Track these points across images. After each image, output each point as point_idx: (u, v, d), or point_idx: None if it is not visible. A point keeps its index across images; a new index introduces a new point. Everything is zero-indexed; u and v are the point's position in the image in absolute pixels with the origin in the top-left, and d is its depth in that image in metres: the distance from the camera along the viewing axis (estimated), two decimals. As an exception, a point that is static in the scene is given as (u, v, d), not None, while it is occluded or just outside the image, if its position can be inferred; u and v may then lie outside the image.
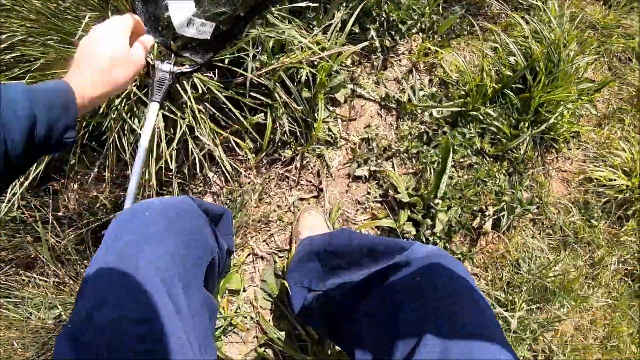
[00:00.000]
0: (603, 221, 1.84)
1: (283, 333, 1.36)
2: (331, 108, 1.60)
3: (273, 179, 1.52)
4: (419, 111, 1.66)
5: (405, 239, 1.54)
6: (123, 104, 1.17)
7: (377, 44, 1.68)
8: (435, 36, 1.80)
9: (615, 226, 1.86)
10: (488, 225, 1.62)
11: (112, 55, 0.67)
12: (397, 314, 0.70)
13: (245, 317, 1.39)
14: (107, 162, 1.19)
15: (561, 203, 1.79)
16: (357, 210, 1.58)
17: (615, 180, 1.84)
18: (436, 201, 1.52)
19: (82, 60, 0.66)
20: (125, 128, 1.17)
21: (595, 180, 1.84)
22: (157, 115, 0.94)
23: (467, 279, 0.71)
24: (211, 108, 1.31)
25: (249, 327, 1.40)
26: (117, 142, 1.17)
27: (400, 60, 1.75)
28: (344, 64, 1.60)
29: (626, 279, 1.86)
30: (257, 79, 1.35)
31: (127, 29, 0.72)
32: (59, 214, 1.16)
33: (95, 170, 1.20)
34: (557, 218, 1.76)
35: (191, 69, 0.95)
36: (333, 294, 0.99)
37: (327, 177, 1.57)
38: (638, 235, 1.92)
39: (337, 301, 0.96)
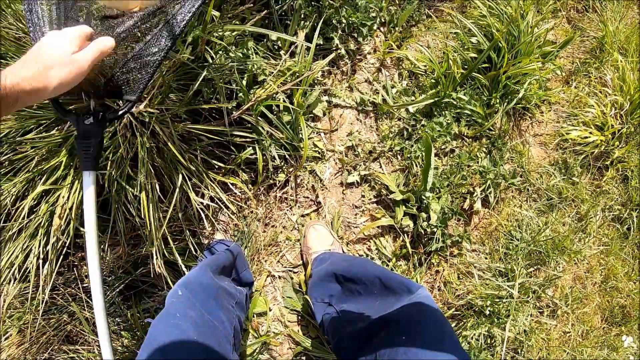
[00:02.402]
0: (584, 176, 1.95)
1: (312, 341, 1.50)
2: (312, 124, 1.67)
3: (273, 203, 1.60)
4: (395, 109, 1.74)
5: (408, 280, 1.65)
6: (118, 172, 1.24)
7: (343, 50, 1.74)
8: (397, 28, 1.85)
9: (596, 178, 1.98)
10: (478, 205, 1.73)
11: (51, 55, 0.71)
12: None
13: (277, 334, 1.52)
14: (117, 227, 1.27)
15: (542, 167, 1.90)
16: (355, 215, 1.67)
17: (589, 137, 1.94)
18: (427, 194, 1.62)
19: (28, 57, 0.71)
20: (126, 194, 1.24)
21: (571, 141, 1.94)
22: (94, 186, 0.84)
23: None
24: (202, 154, 1.37)
25: (281, 341, 1.52)
26: (122, 208, 1.25)
27: (367, 60, 1.81)
28: (315, 80, 1.66)
29: (614, 223, 1.99)
30: (240, 116, 1.42)
31: (76, 37, 0.76)
32: (85, 285, 1.25)
33: (107, 236, 1.28)
34: (540, 183, 1.87)
35: (125, 109, 0.88)
36: (345, 321, 1.13)
37: (322, 189, 1.65)
38: (618, 181, 2.04)
39: (346, 330, 1.10)
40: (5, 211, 1.24)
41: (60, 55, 0.71)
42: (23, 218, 1.22)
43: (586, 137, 1.94)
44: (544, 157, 1.94)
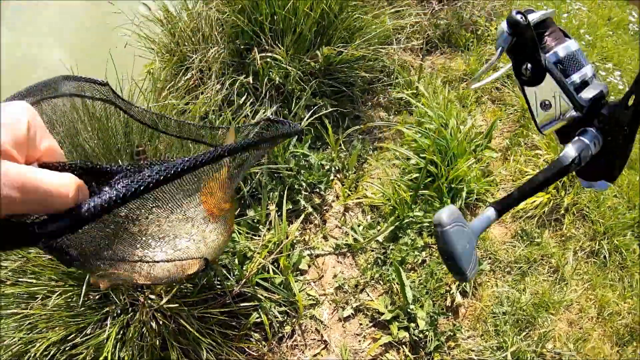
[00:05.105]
0: (545, 234, 2.24)
1: None
2: (301, 277, 2.05)
3: (286, 351, 1.95)
4: (366, 244, 2.09)
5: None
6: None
7: (310, 208, 2.13)
8: (349, 173, 2.24)
9: (558, 229, 2.26)
10: (459, 299, 2.04)
11: None
12: None
13: None
14: None
15: (507, 243, 2.20)
16: (359, 341, 2.00)
17: (535, 200, 2.24)
18: (410, 307, 1.94)
19: None
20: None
21: (521, 210, 2.25)
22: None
23: None
24: (217, 327, 1.76)
25: None
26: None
27: (333, 208, 2.20)
28: (295, 240, 2.05)
29: (589, 259, 2.25)
30: (240, 289, 1.81)
31: None
32: None
33: None
34: (508, 257, 2.17)
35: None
36: None
37: (325, 329, 2.00)
38: (579, 222, 2.32)
39: None
40: None
41: None
42: None
43: (534, 202, 2.24)
44: (505, 233, 2.24)
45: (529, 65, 0.61)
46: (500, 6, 2.98)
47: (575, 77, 0.63)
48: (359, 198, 2.21)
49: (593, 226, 2.32)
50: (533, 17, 0.63)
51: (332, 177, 2.23)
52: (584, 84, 0.64)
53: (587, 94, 0.63)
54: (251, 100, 2.24)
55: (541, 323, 2.10)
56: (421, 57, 2.59)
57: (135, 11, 2.48)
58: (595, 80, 0.65)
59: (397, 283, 2.01)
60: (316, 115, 2.26)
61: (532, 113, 0.67)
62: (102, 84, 0.78)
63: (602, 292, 2.20)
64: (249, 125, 0.85)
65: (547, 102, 0.64)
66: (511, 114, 2.50)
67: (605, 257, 2.28)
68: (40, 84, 0.63)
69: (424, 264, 2.09)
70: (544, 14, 0.65)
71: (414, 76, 2.49)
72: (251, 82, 2.23)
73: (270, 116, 1.28)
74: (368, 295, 2.05)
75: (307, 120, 2.21)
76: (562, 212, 2.28)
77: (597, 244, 2.29)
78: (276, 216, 1.97)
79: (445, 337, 1.99)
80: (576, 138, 0.63)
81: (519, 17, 0.60)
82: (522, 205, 2.24)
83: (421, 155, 2.20)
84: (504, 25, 0.62)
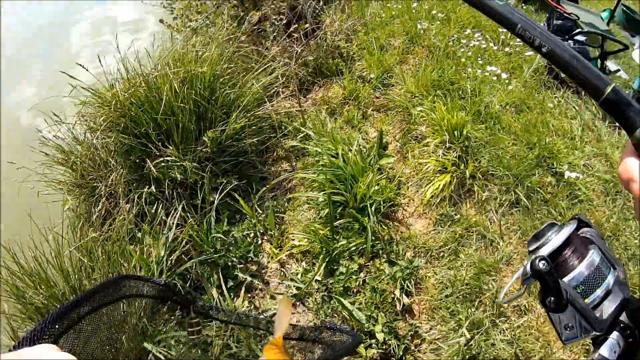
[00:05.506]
0: (464, 207, 2.44)
1: None
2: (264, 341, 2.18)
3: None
4: (308, 288, 2.25)
5: None
6: None
7: (249, 278, 2.28)
8: (272, 232, 2.41)
9: (471, 199, 2.46)
10: (406, 300, 2.20)
11: None
12: None
13: None
14: None
15: (431, 231, 2.39)
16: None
17: (440, 183, 2.45)
18: (365, 325, 2.10)
19: None
20: None
21: (431, 199, 2.45)
22: None
23: None
24: None
25: None
26: None
27: (270, 267, 2.35)
28: (245, 311, 2.19)
29: (512, 210, 2.44)
30: None
31: None
32: None
33: None
34: (436, 244, 2.35)
35: None
36: None
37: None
38: (488, 184, 2.52)
39: None
40: None
41: None
42: None
43: (438, 187, 2.44)
44: (426, 224, 2.43)
45: (552, 298, 0.65)
46: (352, 25, 3.26)
47: (599, 292, 0.65)
48: (288, 250, 2.37)
49: (503, 180, 2.52)
50: (556, 242, 0.67)
51: (259, 242, 2.40)
52: (607, 293, 0.65)
53: (608, 308, 0.65)
54: (162, 204, 2.40)
55: (487, 287, 2.26)
56: (299, 100, 2.81)
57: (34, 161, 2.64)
58: (617, 287, 0.66)
59: (345, 311, 2.16)
60: (224, 193, 2.43)
61: (557, 331, 0.69)
62: (160, 284, 0.93)
63: (534, 233, 2.37)
64: (308, 328, 0.94)
65: (570, 325, 0.67)
66: (395, 115, 2.72)
67: (524, 202, 2.47)
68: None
69: (365, 284, 2.25)
70: (568, 232, 0.67)
71: (298, 120, 2.70)
72: (154, 190, 2.40)
73: (328, 324, 1.31)
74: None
75: (217, 201, 2.38)
76: (469, 182, 2.49)
77: (513, 193, 2.49)
78: (220, 298, 2.11)
79: (408, 338, 2.14)
80: (597, 355, 0.65)
81: (541, 265, 0.63)
82: (429, 193, 2.44)
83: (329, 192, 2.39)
84: (528, 268, 0.65)
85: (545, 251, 0.67)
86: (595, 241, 0.69)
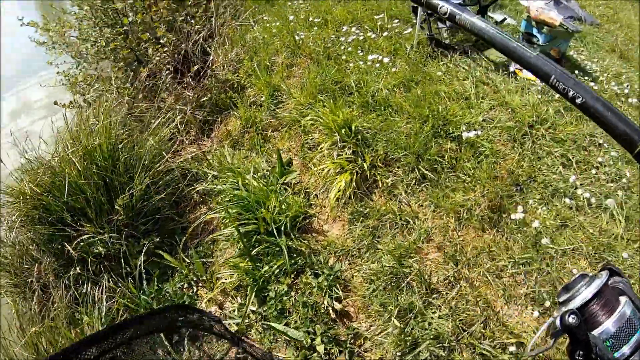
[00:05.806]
0: (370, 201, 2.55)
1: None
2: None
3: None
4: (245, 322, 2.35)
5: None
6: None
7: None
8: (204, 277, 2.50)
9: (377, 188, 2.57)
10: (338, 305, 2.30)
11: None
12: None
13: None
14: None
15: (344, 234, 2.49)
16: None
17: (339, 185, 2.55)
18: (305, 342, 2.20)
19: None
20: None
21: (335, 202, 2.55)
22: None
23: None
24: None
25: None
26: None
27: (209, 312, 2.45)
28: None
29: (421, 186, 2.54)
30: None
31: None
32: None
33: None
34: (353, 244, 2.46)
35: None
36: None
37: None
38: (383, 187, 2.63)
39: None
40: None
41: None
42: None
43: (339, 190, 2.55)
44: (342, 225, 2.54)
45: (581, 352, 0.64)
46: (236, 55, 3.34)
47: (625, 349, 0.63)
48: (220, 289, 2.47)
49: (404, 161, 2.60)
50: (587, 295, 0.66)
51: (195, 289, 2.49)
52: (636, 348, 0.64)
53: None
54: (90, 282, 2.48)
55: (410, 269, 2.36)
56: (198, 144, 2.89)
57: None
58: None
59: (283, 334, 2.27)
60: (150, 253, 2.52)
61: None
62: (216, 320, 1.07)
63: (447, 202, 2.45)
64: None
65: None
66: (290, 130, 2.82)
67: (430, 175, 2.55)
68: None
69: (297, 302, 2.35)
70: (599, 284, 0.67)
71: (203, 163, 2.79)
72: (80, 271, 2.48)
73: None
74: (278, 357, 2.30)
75: (141, 263, 2.47)
76: (368, 173, 2.57)
77: (417, 170, 2.56)
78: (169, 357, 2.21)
79: (350, 342, 2.24)
80: None
81: (571, 319, 0.63)
82: (332, 197, 2.54)
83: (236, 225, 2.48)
84: (557, 322, 0.65)
85: (575, 304, 0.66)
86: (626, 292, 0.68)
